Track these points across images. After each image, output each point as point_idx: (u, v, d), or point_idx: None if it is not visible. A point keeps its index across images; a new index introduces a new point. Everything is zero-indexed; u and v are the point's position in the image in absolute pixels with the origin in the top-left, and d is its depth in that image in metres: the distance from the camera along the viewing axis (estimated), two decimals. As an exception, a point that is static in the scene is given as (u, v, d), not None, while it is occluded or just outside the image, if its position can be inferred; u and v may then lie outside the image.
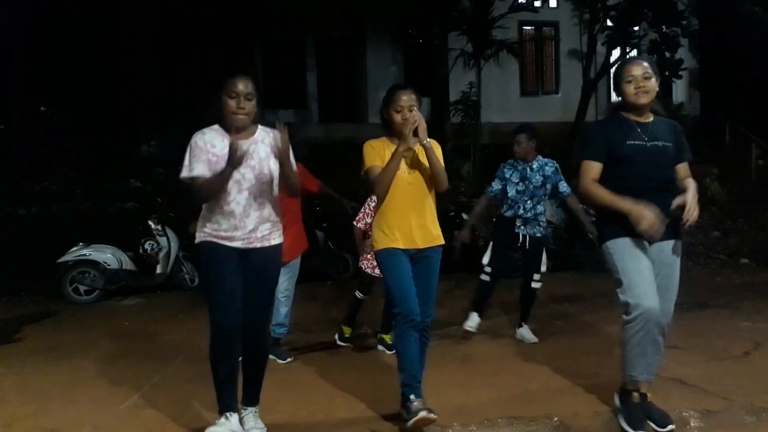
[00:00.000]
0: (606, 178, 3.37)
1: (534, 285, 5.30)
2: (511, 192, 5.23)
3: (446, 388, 4.05)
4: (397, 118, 3.48)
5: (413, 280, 3.53)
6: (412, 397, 3.41)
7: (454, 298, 6.96)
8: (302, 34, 14.88)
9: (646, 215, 3.13)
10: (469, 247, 9.24)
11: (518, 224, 5.21)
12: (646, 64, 3.36)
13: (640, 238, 3.29)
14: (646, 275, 3.27)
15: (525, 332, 5.33)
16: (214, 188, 3.20)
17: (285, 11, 13.78)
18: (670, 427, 3.32)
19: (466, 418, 3.57)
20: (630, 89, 3.33)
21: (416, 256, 3.55)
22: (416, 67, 14.85)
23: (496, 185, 5.32)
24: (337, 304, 7.37)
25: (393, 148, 3.48)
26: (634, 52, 15.40)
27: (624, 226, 3.28)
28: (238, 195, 3.24)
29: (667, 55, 13.45)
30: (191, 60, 11.07)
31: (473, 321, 5.37)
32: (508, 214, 5.26)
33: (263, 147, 3.31)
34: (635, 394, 3.39)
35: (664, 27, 13.42)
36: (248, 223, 3.26)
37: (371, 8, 13.90)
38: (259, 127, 3.38)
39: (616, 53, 13.74)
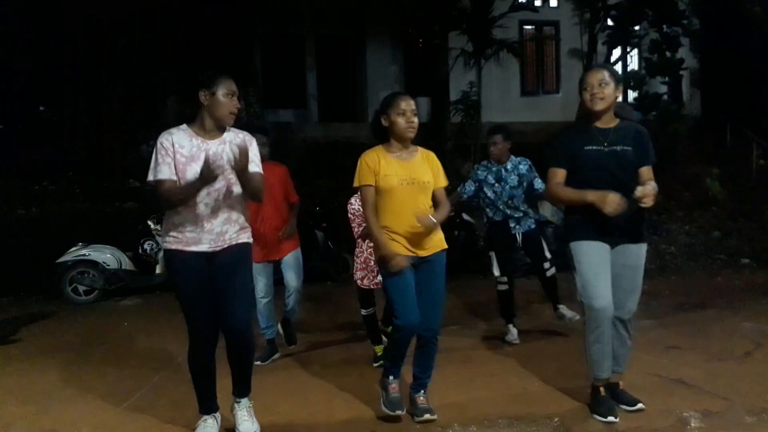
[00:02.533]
0: (572, 184, 3.50)
1: (549, 273, 5.32)
2: (489, 193, 5.22)
3: (447, 388, 4.04)
4: (401, 121, 3.45)
5: (419, 287, 3.51)
6: (391, 378, 3.58)
7: (454, 299, 6.95)
8: (302, 34, 14.86)
9: (609, 199, 3.28)
10: (469, 248, 9.30)
11: (512, 225, 5.21)
12: (605, 71, 3.51)
13: (602, 241, 3.46)
14: (601, 277, 3.44)
15: (564, 310, 5.30)
16: (182, 197, 3.15)
17: (285, 11, 13.76)
18: (639, 405, 3.50)
19: (466, 418, 3.56)
20: (586, 96, 3.50)
21: (420, 262, 3.51)
22: (416, 66, 14.80)
23: (469, 186, 5.32)
24: (337, 304, 7.37)
25: (388, 158, 3.49)
26: (635, 52, 15.38)
27: (588, 228, 3.46)
28: (206, 197, 3.18)
29: (668, 54, 13.44)
30: (191, 60, 11.04)
31: (512, 334, 5.31)
32: (498, 218, 5.24)
33: (233, 148, 3.23)
34: (602, 389, 3.57)
35: (665, 26, 13.42)
36: (215, 225, 3.22)
37: (371, 8, 13.87)
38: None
39: (617, 52, 13.74)
